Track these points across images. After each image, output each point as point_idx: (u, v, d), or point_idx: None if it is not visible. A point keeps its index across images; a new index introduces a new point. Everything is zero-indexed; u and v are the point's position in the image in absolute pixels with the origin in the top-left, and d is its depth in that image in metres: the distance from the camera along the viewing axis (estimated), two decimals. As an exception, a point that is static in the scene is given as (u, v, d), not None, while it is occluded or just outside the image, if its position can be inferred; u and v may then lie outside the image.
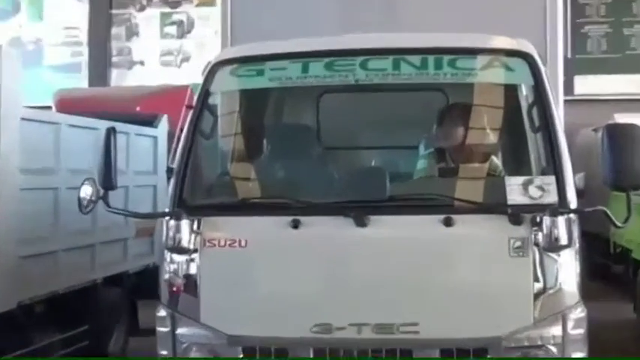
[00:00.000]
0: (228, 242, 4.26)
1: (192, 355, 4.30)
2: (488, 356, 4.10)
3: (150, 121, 9.07)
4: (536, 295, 4.12)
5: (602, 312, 10.29)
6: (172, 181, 4.49)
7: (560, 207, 4.11)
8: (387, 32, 4.96)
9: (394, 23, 5.51)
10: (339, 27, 5.37)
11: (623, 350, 8.68)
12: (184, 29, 17.73)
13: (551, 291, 4.16)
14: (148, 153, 8.68)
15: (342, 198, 4.45)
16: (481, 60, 4.60)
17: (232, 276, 4.29)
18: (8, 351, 6.26)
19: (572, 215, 4.16)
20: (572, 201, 4.22)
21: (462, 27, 5.20)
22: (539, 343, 4.10)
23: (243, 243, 4.24)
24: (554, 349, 4.11)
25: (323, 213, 4.30)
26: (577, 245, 4.23)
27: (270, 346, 4.21)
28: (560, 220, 4.06)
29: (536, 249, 4.10)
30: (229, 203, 4.57)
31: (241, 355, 4.23)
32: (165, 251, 4.39)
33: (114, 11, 17.76)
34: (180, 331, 4.32)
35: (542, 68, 4.54)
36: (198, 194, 4.58)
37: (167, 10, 17.78)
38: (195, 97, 4.70)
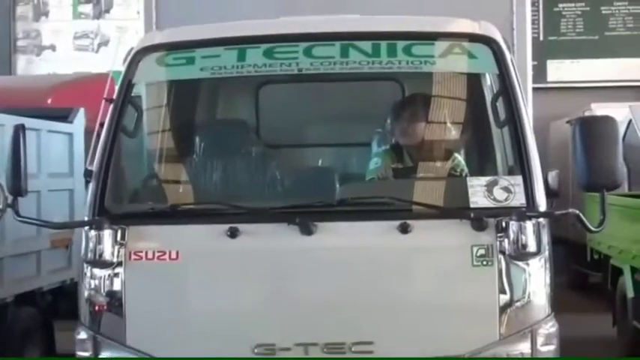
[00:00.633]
0: (156, 254, 4.26)
1: None
2: (450, 378, 4.20)
3: (64, 116, 8.95)
4: (502, 309, 4.20)
5: (578, 326, 10.56)
6: (91, 185, 4.44)
7: (528, 210, 4.20)
8: (334, 14, 4.94)
9: (340, 6, 5.39)
10: (280, 9, 5.31)
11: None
12: (102, 8, 17.45)
13: (518, 304, 4.24)
14: (62, 152, 8.57)
15: (286, 202, 4.48)
16: (439, 46, 4.64)
17: (162, 292, 4.30)
18: None
19: (541, 219, 4.24)
20: (542, 203, 4.30)
21: (418, 10, 5.18)
22: None
23: (173, 255, 4.25)
24: None
25: (264, 220, 4.30)
26: (547, 252, 4.31)
27: (202, 371, 4.26)
28: (529, 225, 4.14)
29: (502, 257, 4.18)
30: (157, 210, 4.57)
31: (173, 382, 4.26)
32: (85, 265, 4.36)
33: (17, -12, 17.49)
34: (103, 355, 4.32)
35: (508, 54, 4.61)
36: (122, 200, 4.59)
37: (81, -15, 17.55)
38: (117, 89, 4.64)
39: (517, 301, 4.24)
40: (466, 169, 4.72)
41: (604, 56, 16.85)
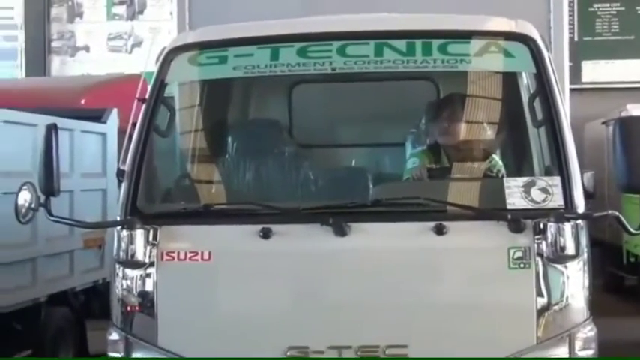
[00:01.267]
0: (189, 255, 4.23)
1: None
2: (487, 383, 4.13)
3: (97, 116, 8.99)
4: (540, 312, 4.12)
5: (613, 329, 10.45)
6: (124, 185, 4.42)
7: (566, 212, 4.12)
8: (368, 12, 4.86)
9: (367, 4, 5.31)
10: (307, 7, 5.30)
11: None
12: (135, 10, 17.50)
13: (556, 307, 4.16)
14: (95, 152, 8.62)
15: (319, 203, 4.43)
16: (476, 45, 4.57)
17: (194, 293, 4.26)
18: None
19: (580, 221, 4.16)
20: (580, 205, 4.22)
21: (454, 8, 5.11)
22: None
23: (206, 255, 4.21)
24: None
25: (297, 220, 4.25)
26: (585, 255, 4.24)
27: (235, 372, 4.22)
28: (567, 227, 4.06)
29: (539, 259, 4.10)
30: (190, 210, 4.52)
31: (205, 384, 4.22)
32: (117, 265, 4.34)
33: (54, -7, 17.57)
34: (135, 356, 4.30)
35: (546, 53, 4.53)
36: (154, 200, 4.56)
37: (115, -12, 17.60)
38: (149, 89, 4.61)
39: (555, 304, 4.16)
40: (503, 170, 4.63)
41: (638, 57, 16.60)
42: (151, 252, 4.23)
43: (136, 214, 4.30)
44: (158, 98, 4.57)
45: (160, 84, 4.60)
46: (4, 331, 7.25)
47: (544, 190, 4.19)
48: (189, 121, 4.86)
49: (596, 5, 16.85)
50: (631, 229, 4.26)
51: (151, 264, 4.24)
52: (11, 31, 17.63)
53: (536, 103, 4.50)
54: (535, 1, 5.76)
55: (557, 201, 4.17)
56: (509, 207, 4.16)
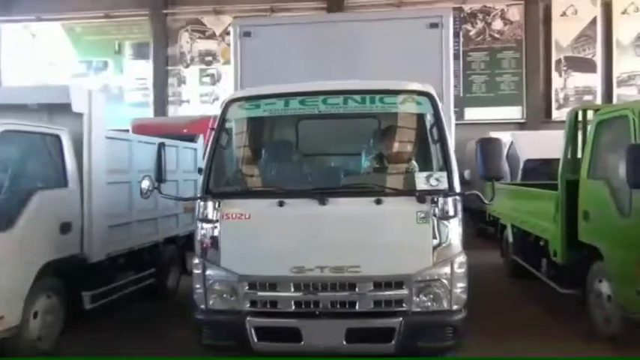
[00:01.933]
0: (237, 215, 4.21)
1: (216, 287, 4.24)
2: (404, 287, 4.09)
3: (192, 139, 8.92)
4: (434, 248, 4.11)
5: (482, 258, 10.40)
6: (202, 176, 4.40)
7: (449, 191, 4.11)
8: (342, 79, 4.77)
9: (347, 73, 5.31)
10: (311, 75, 5.16)
11: (495, 282, 8.74)
12: (215, 79, 17.41)
13: (443, 245, 4.13)
14: (190, 159, 8.53)
15: (311, 187, 4.39)
16: (401, 97, 4.53)
17: (240, 236, 4.23)
18: (99, 285, 6.17)
19: (457, 197, 4.15)
20: (457, 187, 4.19)
21: (392, 75, 5.02)
22: (436, 277, 4.10)
23: (247, 216, 4.20)
24: (445, 281, 4.11)
25: (298, 196, 4.24)
26: (460, 216, 4.20)
27: (265, 282, 4.18)
28: (449, 200, 4.07)
29: (434, 218, 4.08)
30: (238, 191, 4.52)
31: (247, 288, 4.18)
32: (198, 222, 4.32)
33: (169, 67, 17.39)
34: (208, 272, 4.27)
35: (439, 102, 4.49)
36: (218, 185, 4.45)
37: (204, 67, 17.37)
38: (217, 123, 4.58)
39: (442, 243, 4.13)
40: (417, 168, 4.51)
41: (497, 105, 16.55)
42: (216, 214, 4.21)
43: (208, 193, 4.28)
44: (221, 128, 4.53)
45: (223, 120, 4.56)
46: (140, 258, 7.23)
47: (437, 180, 4.17)
48: (238, 141, 4.78)
49: (473, 76, 16.75)
50: (486, 201, 4.26)
51: (217, 221, 4.22)
52: (145, 91, 17.55)
53: (434, 131, 4.41)
54: (435, 74, 5.64)
55: (444, 185, 4.15)
56: (418, 189, 4.14)
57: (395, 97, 4.53)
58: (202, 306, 4.27)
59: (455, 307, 4.12)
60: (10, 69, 17.67)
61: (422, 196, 4.08)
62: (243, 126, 4.82)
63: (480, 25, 16.91)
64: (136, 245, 7.04)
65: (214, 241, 4.25)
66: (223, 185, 4.52)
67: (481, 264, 10.45)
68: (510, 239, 9.04)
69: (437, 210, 4.07)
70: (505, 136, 13.19)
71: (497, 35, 16.79)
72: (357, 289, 4.11)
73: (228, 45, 15.90)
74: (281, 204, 4.14)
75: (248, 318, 4.14)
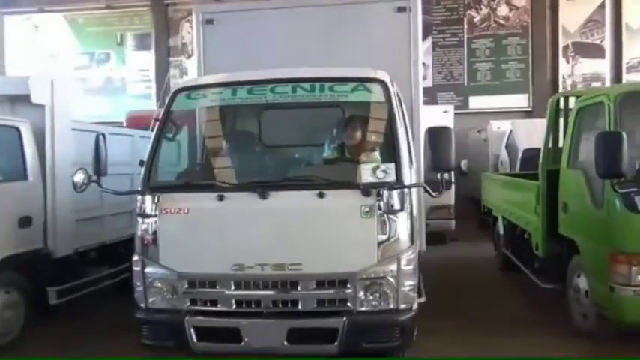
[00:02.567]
0: (176, 210, 4.00)
1: (155, 285, 4.05)
2: (348, 285, 3.86)
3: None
4: (379, 244, 3.84)
5: (478, 250, 10.09)
6: (143, 169, 4.19)
7: (395, 184, 3.84)
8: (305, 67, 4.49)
9: (313, 60, 5.01)
10: (275, 64, 4.77)
11: (486, 275, 8.51)
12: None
13: (390, 240, 3.86)
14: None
15: (252, 180, 4.15)
16: (351, 85, 4.22)
17: (179, 232, 4.03)
18: (67, 280, 6.05)
19: (404, 189, 3.89)
20: (406, 180, 3.91)
21: (357, 62, 4.72)
22: (381, 275, 3.84)
23: (185, 210, 4.00)
24: (391, 279, 3.85)
25: (238, 190, 4.03)
26: (409, 209, 3.94)
27: (204, 280, 3.98)
28: (394, 193, 3.81)
29: (379, 212, 3.83)
30: (178, 184, 4.31)
31: (186, 286, 3.99)
32: (138, 217, 4.11)
33: (171, 59, 17.23)
34: (147, 269, 4.08)
35: (392, 89, 4.19)
36: (160, 178, 4.23)
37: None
38: (161, 114, 4.37)
39: (390, 239, 3.86)
40: (368, 160, 4.19)
41: (501, 94, 16.06)
42: (155, 208, 4.02)
43: (148, 187, 4.09)
44: (165, 120, 4.31)
45: (167, 111, 4.35)
46: (115, 252, 7.02)
47: (384, 171, 3.89)
48: (182, 133, 4.55)
49: (477, 64, 16.33)
50: (432, 194, 3.97)
51: (155, 215, 4.03)
52: (148, 83, 17.42)
53: (386, 120, 4.13)
54: (402, 60, 5.37)
55: (391, 177, 3.87)
56: (362, 181, 3.87)
57: (345, 85, 4.23)
58: (142, 304, 4.10)
59: (402, 306, 3.88)
60: (13, 61, 17.68)
61: (366, 189, 3.82)
62: (188, 117, 4.63)
63: (484, 11, 16.44)
64: (109, 239, 6.90)
65: (154, 237, 4.06)
66: (164, 179, 4.31)
67: (476, 256, 10.24)
68: (501, 231, 8.74)
69: (382, 204, 3.81)
70: (506, 125, 12.87)
71: (502, 21, 16.31)
72: (298, 288, 3.89)
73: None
74: (220, 198, 3.93)
75: (187, 317, 3.96)
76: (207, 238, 4.00)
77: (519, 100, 16.02)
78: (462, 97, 16.36)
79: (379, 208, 3.82)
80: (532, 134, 11.57)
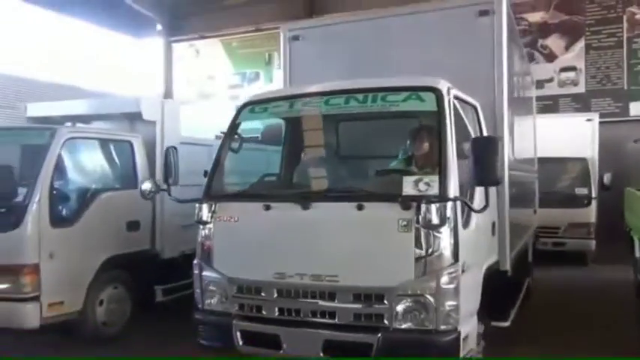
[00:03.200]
0: (227, 218, 4.21)
1: (210, 288, 4.30)
2: (384, 301, 3.74)
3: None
4: (417, 259, 3.65)
5: (621, 274, 8.94)
6: (206, 179, 4.46)
7: (435, 197, 3.64)
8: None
9: (391, 70, 4.96)
10: (355, 76, 4.79)
11: (621, 300, 7.68)
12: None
13: (430, 256, 3.66)
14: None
15: (297, 191, 4.26)
16: (403, 94, 4.07)
17: (229, 239, 4.22)
18: (173, 280, 6.59)
19: (447, 203, 3.67)
20: (452, 193, 3.69)
21: (436, 72, 4.53)
22: (419, 292, 3.66)
23: (236, 218, 4.19)
24: (429, 297, 3.65)
25: (284, 200, 4.14)
26: (453, 224, 3.70)
27: (250, 286, 4.12)
28: (432, 207, 3.62)
29: (417, 226, 3.64)
30: (232, 193, 4.48)
31: (235, 291, 4.17)
32: (197, 223, 4.35)
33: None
34: (204, 273, 4.33)
35: (447, 98, 3.96)
36: (220, 188, 4.45)
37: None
38: (227, 128, 4.62)
39: (429, 254, 3.67)
40: (414, 170, 4.11)
41: (668, 98, 14.17)
42: (211, 216, 4.27)
43: (208, 196, 4.35)
44: (231, 132, 4.57)
45: (232, 124, 4.60)
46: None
47: (427, 184, 3.72)
48: (244, 145, 4.67)
49: (639, 66, 14.59)
50: (474, 208, 3.72)
51: (211, 223, 4.27)
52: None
53: (437, 131, 3.92)
54: (484, 68, 5.04)
55: (434, 190, 3.69)
56: (403, 194, 3.73)
57: (397, 95, 4.11)
58: (200, 305, 4.37)
59: (442, 328, 3.66)
60: (179, 82, 19.73)
61: (405, 202, 3.69)
62: (250, 129, 4.80)
63: (649, 6, 14.71)
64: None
65: (210, 243, 4.30)
66: (223, 188, 4.52)
67: (615, 280, 9.14)
68: (637, 254, 7.72)
69: (421, 218, 3.63)
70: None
71: (669, 17, 14.46)
72: (335, 300, 3.86)
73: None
74: (267, 208, 4.06)
75: (235, 321, 4.14)
76: (254, 246, 4.14)
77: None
78: (621, 104, 14.72)
79: (417, 222, 3.66)
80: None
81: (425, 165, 4.25)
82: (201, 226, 4.37)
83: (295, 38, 5.94)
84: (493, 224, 4.77)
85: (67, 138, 5.62)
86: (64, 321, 5.51)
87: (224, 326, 4.16)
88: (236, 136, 4.62)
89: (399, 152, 4.73)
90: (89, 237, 5.67)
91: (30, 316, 5.15)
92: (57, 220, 5.38)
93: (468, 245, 3.88)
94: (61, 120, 6.85)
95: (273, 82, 18.58)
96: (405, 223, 3.68)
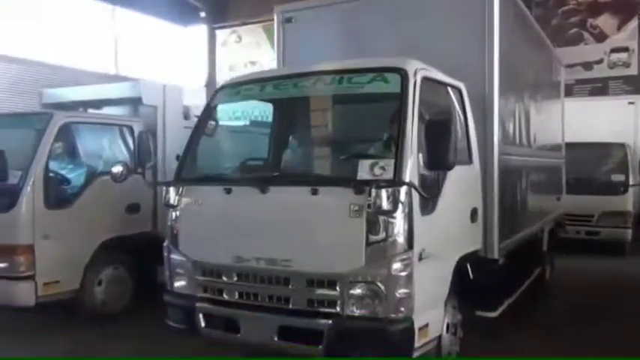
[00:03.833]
0: (192, 202, 4.25)
1: (177, 271, 4.33)
2: (336, 287, 3.65)
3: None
4: (368, 245, 3.55)
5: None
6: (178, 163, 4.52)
7: (389, 181, 3.51)
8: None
9: (383, 54, 4.81)
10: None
11: None
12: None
13: (382, 242, 3.54)
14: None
15: (255, 176, 4.23)
16: (369, 76, 3.97)
17: (194, 222, 4.25)
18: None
19: (400, 188, 3.52)
20: (407, 177, 3.55)
21: (425, 54, 4.36)
22: (369, 279, 3.56)
23: (199, 202, 4.22)
24: (380, 284, 3.54)
25: (243, 184, 4.13)
26: (407, 209, 3.56)
27: (212, 269, 4.13)
28: (382, 191, 3.49)
29: (368, 212, 3.54)
30: (198, 177, 4.46)
31: (199, 274, 4.18)
32: (165, 206, 4.41)
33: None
34: (172, 256, 4.38)
35: (412, 80, 3.79)
36: (190, 171, 4.45)
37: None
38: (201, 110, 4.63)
39: (380, 240, 3.55)
40: (373, 155, 3.91)
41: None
42: (177, 200, 4.31)
43: (177, 179, 4.39)
44: (203, 116, 4.57)
45: (205, 108, 4.62)
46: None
47: (382, 168, 3.60)
48: (214, 129, 4.63)
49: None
50: (425, 196, 3.57)
51: (177, 206, 4.31)
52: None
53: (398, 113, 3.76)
54: (474, 50, 4.84)
55: (388, 175, 3.56)
56: (358, 178, 3.61)
57: (363, 76, 4.00)
58: (169, 288, 4.42)
59: (392, 316, 3.54)
60: (221, 68, 19.99)
61: (358, 187, 3.57)
62: (222, 113, 4.76)
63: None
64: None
65: (177, 226, 4.34)
66: (193, 172, 4.51)
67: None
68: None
69: (372, 203, 3.51)
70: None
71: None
72: (290, 285, 3.81)
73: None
74: (228, 191, 4.05)
75: (198, 304, 4.16)
76: (216, 230, 4.14)
77: None
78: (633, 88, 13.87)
79: (369, 207, 3.54)
80: None
81: (385, 149, 4.09)
82: (168, 210, 4.41)
83: (288, 20, 5.87)
84: (474, 210, 4.57)
85: (64, 123, 5.78)
86: (62, 299, 5.71)
87: (188, 309, 4.20)
88: (205, 121, 4.61)
89: (368, 136, 4.59)
90: (86, 219, 5.83)
91: (25, 294, 5.37)
92: (52, 203, 5.55)
93: (429, 232, 3.74)
94: (73, 105, 7.06)
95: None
96: (356, 208, 3.57)
